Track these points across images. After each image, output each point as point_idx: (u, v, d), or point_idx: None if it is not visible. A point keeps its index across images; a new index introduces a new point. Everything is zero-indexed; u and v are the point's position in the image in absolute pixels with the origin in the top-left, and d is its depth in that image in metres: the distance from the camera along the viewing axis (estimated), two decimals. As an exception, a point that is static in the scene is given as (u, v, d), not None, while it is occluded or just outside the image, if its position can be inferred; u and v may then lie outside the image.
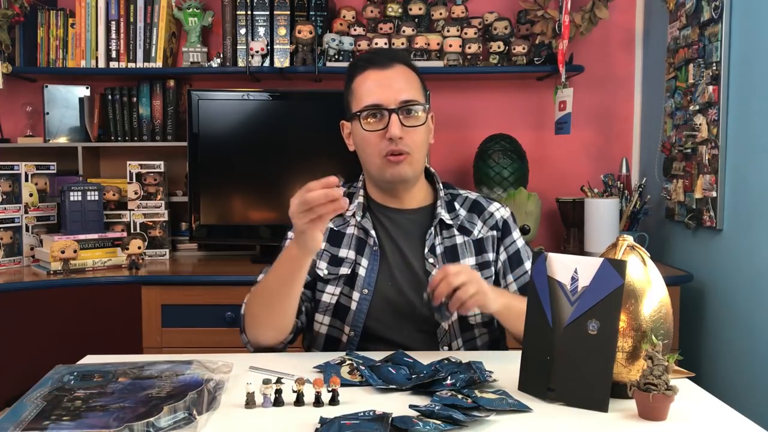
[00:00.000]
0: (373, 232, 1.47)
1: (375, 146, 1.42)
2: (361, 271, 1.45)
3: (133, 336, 2.34)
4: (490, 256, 1.51)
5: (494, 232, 1.53)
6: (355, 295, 1.44)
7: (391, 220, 1.50)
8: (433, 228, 1.48)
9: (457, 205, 1.54)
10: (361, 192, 1.52)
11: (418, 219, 1.50)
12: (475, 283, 1.29)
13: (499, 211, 1.55)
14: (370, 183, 1.53)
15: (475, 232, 1.52)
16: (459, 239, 1.50)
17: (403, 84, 1.42)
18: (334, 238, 1.50)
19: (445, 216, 1.50)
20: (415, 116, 1.42)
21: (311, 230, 1.21)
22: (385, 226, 1.50)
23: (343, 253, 1.48)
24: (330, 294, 1.46)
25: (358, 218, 1.49)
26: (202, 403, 1.04)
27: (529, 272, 1.43)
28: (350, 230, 1.50)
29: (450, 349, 1.45)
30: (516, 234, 1.55)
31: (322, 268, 1.47)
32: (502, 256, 1.52)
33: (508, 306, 1.36)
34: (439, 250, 1.48)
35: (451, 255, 1.48)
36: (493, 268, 1.51)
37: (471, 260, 1.49)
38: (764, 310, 1.94)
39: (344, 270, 1.46)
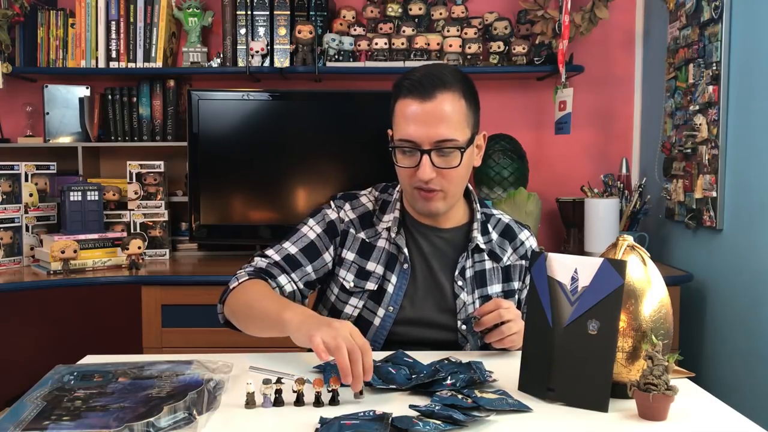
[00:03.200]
0: (405, 250, 1.43)
1: (407, 179, 1.38)
2: (390, 288, 1.42)
3: (133, 336, 2.34)
4: (516, 284, 1.50)
5: (523, 262, 1.51)
6: (380, 312, 1.42)
7: (426, 238, 1.46)
8: (467, 252, 1.45)
9: (490, 228, 1.51)
10: (398, 205, 1.47)
11: (452, 239, 1.47)
12: (519, 323, 1.31)
13: (529, 240, 1.54)
14: (405, 198, 1.48)
15: (505, 259, 1.50)
16: (488, 264, 1.47)
17: (444, 119, 1.32)
18: (364, 249, 1.46)
19: (480, 240, 1.46)
20: (450, 157, 1.34)
21: (319, 347, 1.10)
22: (419, 244, 1.46)
23: (371, 266, 1.44)
24: (353, 306, 1.44)
25: (393, 234, 1.44)
26: (202, 403, 1.04)
27: None
28: (381, 243, 1.45)
29: None
30: None
31: (349, 280, 1.44)
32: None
33: None
34: (468, 273, 1.45)
35: (480, 280, 1.46)
36: (517, 297, 1.50)
37: (498, 287, 1.48)
38: (764, 310, 1.94)
39: (370, 285, 1.43)
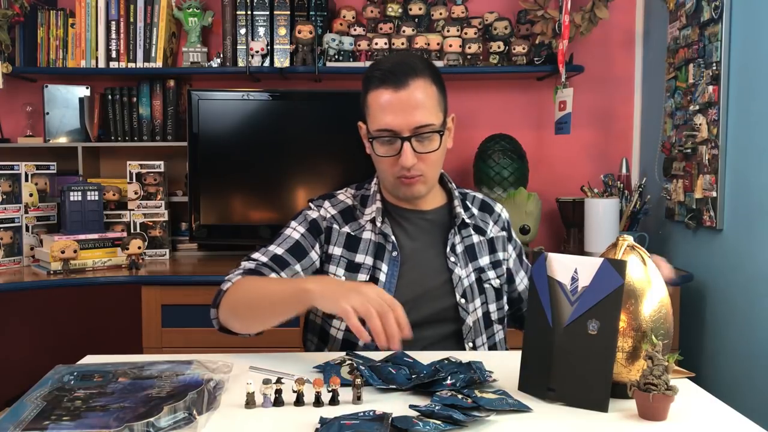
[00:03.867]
0: (392, 238, 1.46)
1: (388, 168, 1.41)
2: (382, 277, 1.44)
3: (133, 336, 2.34)
4: (501, 255, 1.56)
5: (504, 233, 1.59)
6: None
7: (411, 222, 1.50)
8: (455, 228, 1.50)
9: (469, 204, 1.58)
10: (378, 196, 1.50)
11: (437, 220, 1.51)
12: None
13: (503, 212, 1.62)
14: (385, 188, 1.52)
15: (488, 231, 1.56)
16: (475, 238, 1.53)
17: (419, 105, 1.36)
18: (351, 243, 1.48)
19: (464, 215, 1.52)
20: (429, 141, 1.39)
21: (349, 313, 1.13)
22: (405, 228, 1.49)
23: (360, 258, 1.46)
24: None
25: (378, 223, 1.47)
26: (202, 403, 1.04)
27: (521, 287, 1.59)
28: (367, 235, 1.48)
29: (475, 346, 1.46)
30: (514, 237, 1.64)
31: (340, 275, 1.46)
32: (513, 255, 1.59)
33: None
34: (459, 248, 1.50)
35: (471, 253, 1.51)
36: (504, 266, 1.56)
37: (486, 259, 1.53)
38: (764, 310, 1.94)
39: (362, 276, 1.45)
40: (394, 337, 1.12)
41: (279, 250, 1.45)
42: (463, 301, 1.45)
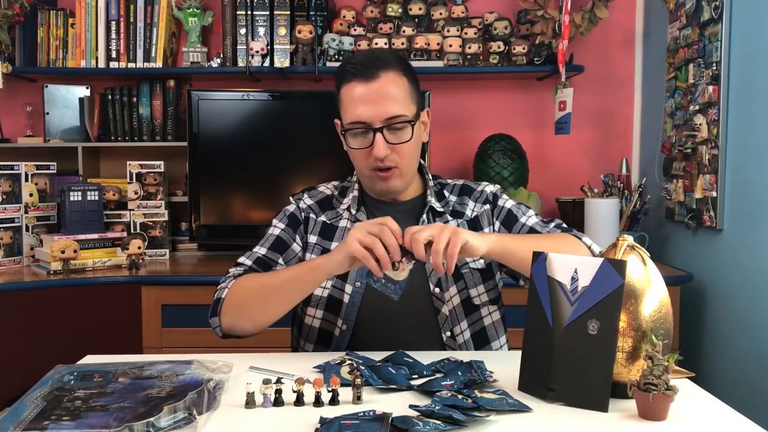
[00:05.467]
0: None
1: (363, 161, 1.42)
2: None
3: (133, 336, 2.34)
4: (487, 230, 1.51)
5: (487, 206, 1.53)
6: (348, 288, 1.44)
7: (387, 212, 1.50)
8: (425, 215, 1.49)
9: (446, 193, 1.56)
10: (356, 186, 1.53)
11: (411, 209, 1.52)
12: (447, 231, 1.23)
13: (488, 187, 1.57)
14: (362, 183, 1.53)
15: (468, 213, 1.53)
16: (453, 223, 1.50)
17: (390, 97, 1.37)
18: (326, 231, 1.51)
19: (436, 204, 1.50)
20: (401, 132, 1.39)
21: (350, 256, 1.23)
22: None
23: (334, 246, 1.47)
24: (322, 287, 1.45)
25: (353, 211, 1.51)
26: (202, 403, 1.04)
27: (527, 224, 1.47)
28: (343, 223, 1.51)
29: (452, 334, 1.44)
30: (503, 199, 1.54)
31: None
32: (497, 224, 1.52)
33: (501, 242, 1.30)
34: None
35: None
36: None
37: None
38: (764, 310, 1.94)
39: None
40: (397, 251, 1.20)
41: (262, 251, 1.48)
42: (437, 290, 1.44)
